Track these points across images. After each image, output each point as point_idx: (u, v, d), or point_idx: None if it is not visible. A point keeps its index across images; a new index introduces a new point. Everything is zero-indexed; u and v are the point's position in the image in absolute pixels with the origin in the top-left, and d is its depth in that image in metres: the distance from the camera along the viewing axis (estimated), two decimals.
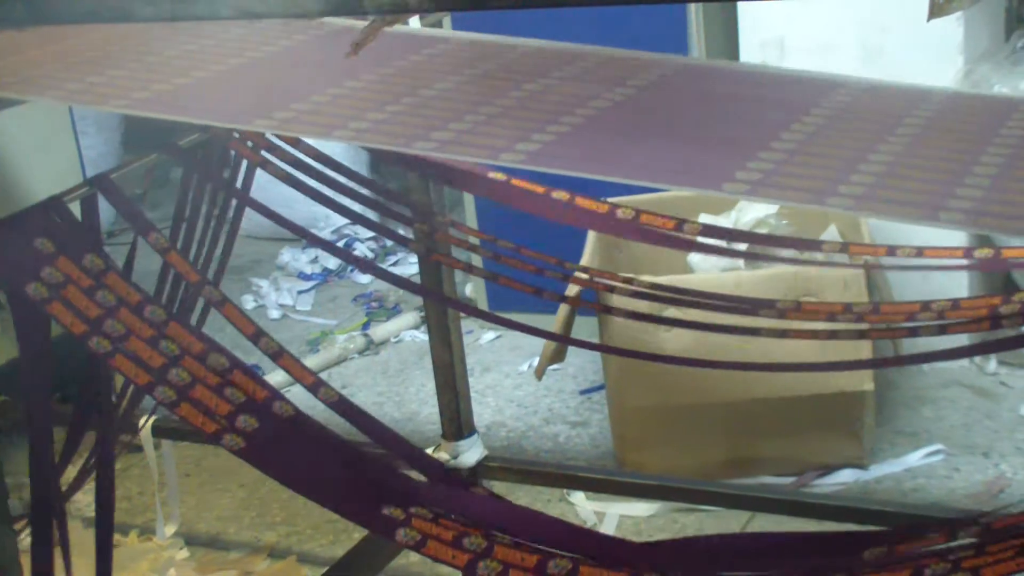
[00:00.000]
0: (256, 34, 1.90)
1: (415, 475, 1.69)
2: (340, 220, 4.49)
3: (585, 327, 3.17)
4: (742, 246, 2.35)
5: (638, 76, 1.70)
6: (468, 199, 3.62)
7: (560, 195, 1.93)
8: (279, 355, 1.72)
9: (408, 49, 1.83)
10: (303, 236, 2.26)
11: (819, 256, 2.95)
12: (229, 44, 1.85)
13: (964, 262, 1.90)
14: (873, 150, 1.45)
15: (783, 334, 1.98)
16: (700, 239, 1.92)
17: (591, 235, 2.92)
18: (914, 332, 1.90)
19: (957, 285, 3.12)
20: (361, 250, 4.40)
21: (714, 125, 1.58)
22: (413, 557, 2.58)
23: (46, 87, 1.70)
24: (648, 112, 1.60)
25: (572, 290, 2.79)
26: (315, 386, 1.69)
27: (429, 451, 2.60)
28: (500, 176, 2.02)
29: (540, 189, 1.96)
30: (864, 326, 1.97)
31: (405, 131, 1.51)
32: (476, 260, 2.42)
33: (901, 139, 1.49)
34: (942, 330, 1.85)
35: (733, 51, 3.27)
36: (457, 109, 1.56)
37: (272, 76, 1.76)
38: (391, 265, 4.31)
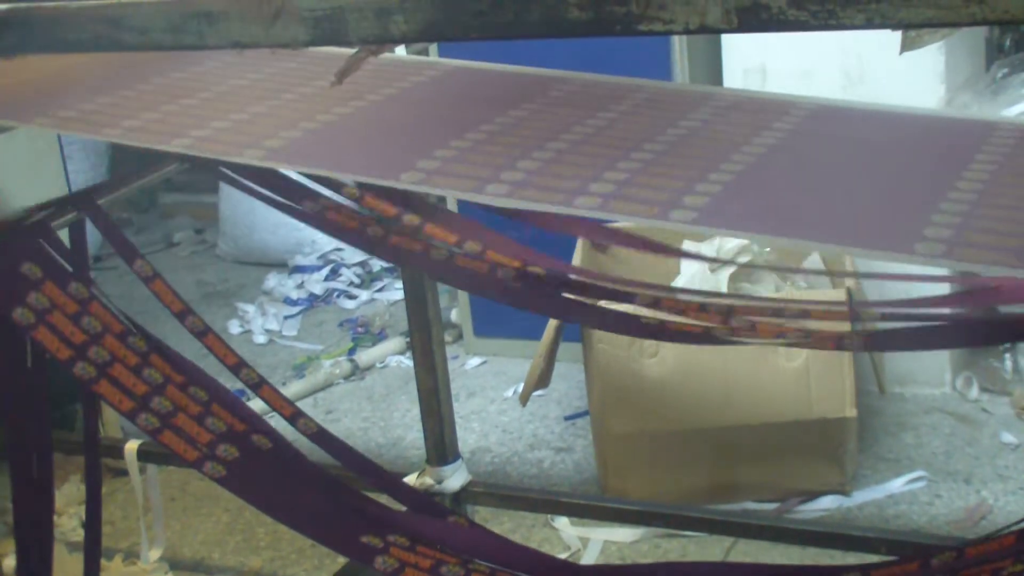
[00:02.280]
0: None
1: (394, 504, 1.71)
2: (326, 246, 4.50)
3: (569, 351, 3.19)
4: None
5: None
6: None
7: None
8: (259, 386, 1.73)
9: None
10: None
11: (802, 285, 2.98)
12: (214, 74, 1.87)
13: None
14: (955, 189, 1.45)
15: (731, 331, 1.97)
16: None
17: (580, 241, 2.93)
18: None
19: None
20: (347, 276, 4.42)
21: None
22: None
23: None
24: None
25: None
26: (294, 417, 1.71)
27: (413, 476, 2.60)
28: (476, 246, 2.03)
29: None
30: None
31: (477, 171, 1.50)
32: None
33: (659, 145, 1.52)
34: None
35: (716, 78, 3.30)
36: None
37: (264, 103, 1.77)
38: (376, 291, 4.33)
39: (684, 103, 1.64)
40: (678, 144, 1.49)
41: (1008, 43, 3.31)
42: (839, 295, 2.71)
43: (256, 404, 2.44)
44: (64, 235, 1.73)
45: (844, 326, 1.83)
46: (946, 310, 1.87)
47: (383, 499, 1.74)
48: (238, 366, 1.74)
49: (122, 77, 1.81)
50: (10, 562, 2.46)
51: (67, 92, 1.75)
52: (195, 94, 1.73)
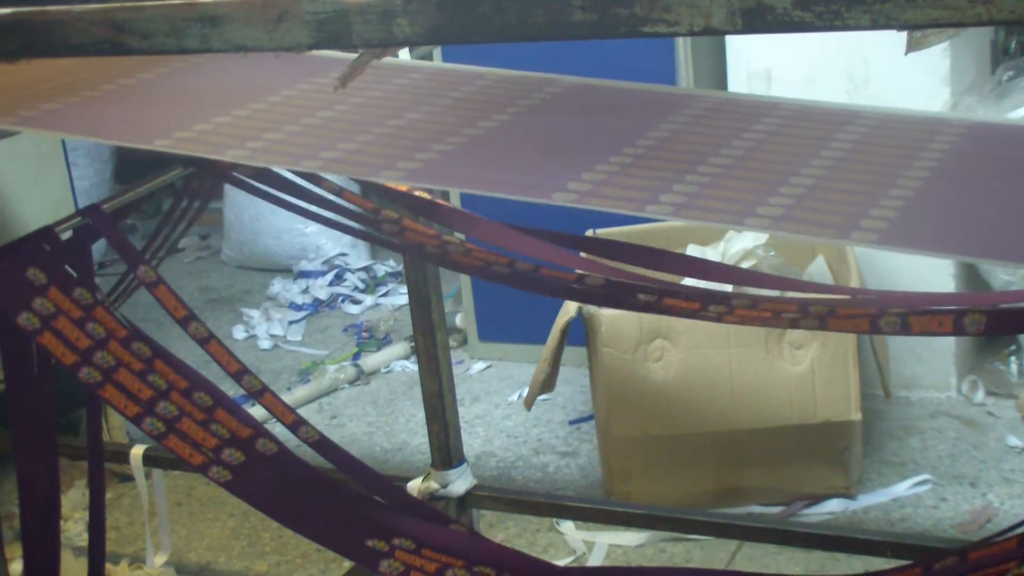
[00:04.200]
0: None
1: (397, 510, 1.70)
2: (330, 251, 4.51)
3: (574, 356, 3.19)
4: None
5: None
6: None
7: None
8: (261, 393, 1.73)
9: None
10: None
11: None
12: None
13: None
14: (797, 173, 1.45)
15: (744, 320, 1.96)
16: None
17: None
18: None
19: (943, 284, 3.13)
20: (352, 281, 4.42)
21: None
22: None
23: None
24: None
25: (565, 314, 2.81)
26: (296, 424, 1.71)
27: (419, 480, 2.60)
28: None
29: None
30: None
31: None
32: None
33: (825, 160, 1.50)
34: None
35: (721, 82, 3.29)
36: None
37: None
38: (381, 295, 4.33)
39: (827, 119, 1.62)
40: (839, 166, 1.48)
41: (1013, 45, 3.31)
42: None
43: (258, 411, 2.44)
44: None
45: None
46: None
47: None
48: (240, 373, 1.74)
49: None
50: (17, 567, 2.46)
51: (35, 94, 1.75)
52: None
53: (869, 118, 1.63)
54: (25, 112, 1.65)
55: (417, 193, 2.10)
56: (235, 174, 1.95)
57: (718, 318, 1.75)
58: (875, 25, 0.94)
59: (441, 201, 2.16)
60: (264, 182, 2.01)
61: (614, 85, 1.77)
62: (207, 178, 2.03)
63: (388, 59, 1.89)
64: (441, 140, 1.50)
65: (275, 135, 1.54)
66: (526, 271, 1.90)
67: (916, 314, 1.54)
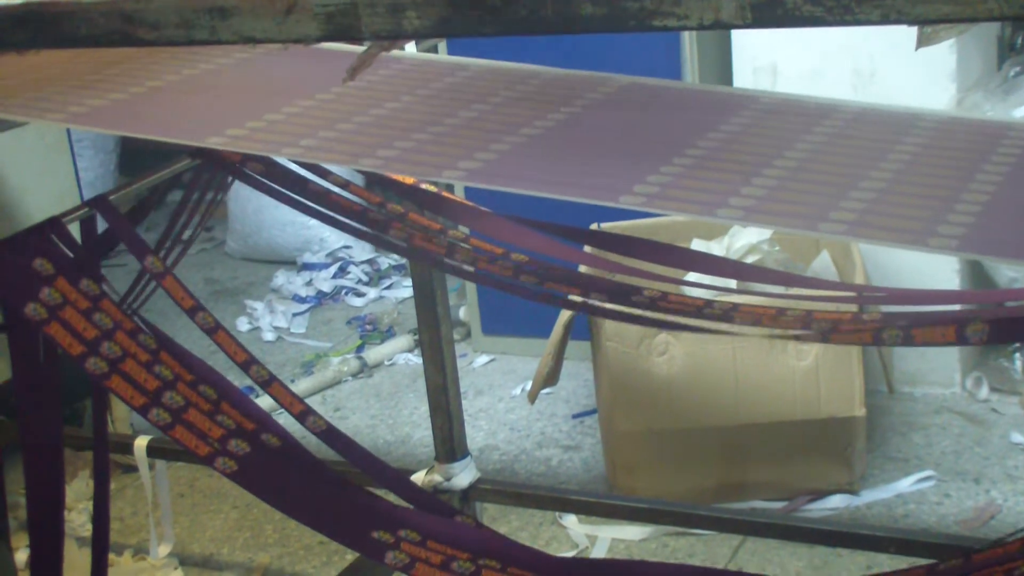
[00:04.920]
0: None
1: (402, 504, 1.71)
2: (334, 243, 4.51)
3: (577, 349, 3.19)
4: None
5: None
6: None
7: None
8: (269, 383, 1.73)
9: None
10: None
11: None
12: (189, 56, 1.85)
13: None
14: (866, 176, 1.45)
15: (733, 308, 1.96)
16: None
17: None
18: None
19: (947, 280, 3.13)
20: (355, 273, 4.42)
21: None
22: None
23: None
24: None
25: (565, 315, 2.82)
26: (303, 415, 1.71)
27: (422, 473, 2.61)
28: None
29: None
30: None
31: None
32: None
33: (893, 164, 1.50)
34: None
35: (726, 77, 3.29)
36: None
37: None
38: (385, 288, 4.33)
39: (893, 122, 1.61)
40: (908, 170, 1.47)
41: (1020, 41, 3.30)
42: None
43: (266, 401, 2.44)
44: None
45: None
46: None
47: (391, 498, 1.74)
48: (248, 363, 1.74)
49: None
50: (23, 556, 2.47)
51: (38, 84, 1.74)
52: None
53: (930, 122, 1.62)
54: (75, 108, 1.64)
55: (423, 186, 2.10)
56: (244, 169, 1.95)
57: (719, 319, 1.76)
58: (885, 20, 0.94)
59: (447, 194, 2.16)
60: (270, 178, 2.01)
61: (668, 85, 1.75)
62: (216, 171, 2.03)
63: (435, 56, 1.89)
64: (498, 139, 1.49)
65: (329, 133, 1.54)
66: (530, 284, 1.90)
67: (919, 326, 1.54)
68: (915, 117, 1.62)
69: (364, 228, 2.02)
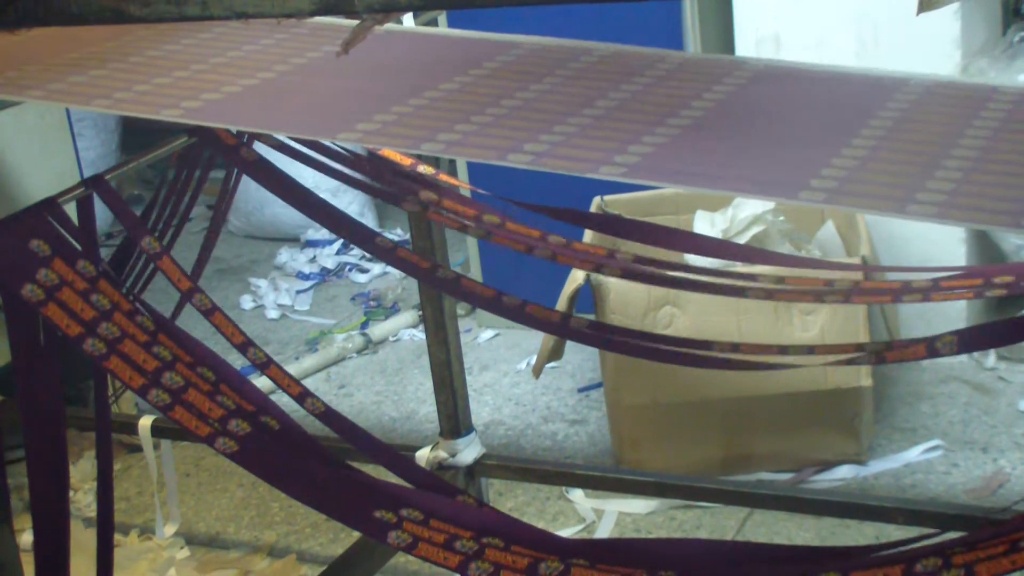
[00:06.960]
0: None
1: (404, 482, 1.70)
2: None
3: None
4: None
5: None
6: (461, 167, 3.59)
7: (556, 239, 1.92)
8: (267, 366, 1.72)
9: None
10: None
11: (816, 253, 2.96)
12: (214, 44, 1.84)
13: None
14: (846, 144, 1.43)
15: (771, 295, 1.95)
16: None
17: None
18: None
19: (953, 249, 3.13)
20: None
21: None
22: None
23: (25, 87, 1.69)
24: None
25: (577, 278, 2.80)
26: (302, 396, 1.70)
27: (427, 449, 2.60)
28: (495, 219, 2.02)
29: (535, 233, 1.95)
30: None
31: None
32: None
33: (876, 131, 1.48)
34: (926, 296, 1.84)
35: (728, 47, 3.27)
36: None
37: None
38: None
39: (967, 95, 1.61)
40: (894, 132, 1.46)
41: None
42: (854, 263, 2.69)
43: (264, 382, 2.43)
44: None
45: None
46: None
47: (393, 479, 1.73)
48: (245, 345, 1.73)
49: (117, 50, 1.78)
50: (27, 537, 2.46)
51: (58, 67, 1.73)
52: None
53: (915, 86, 1.61)
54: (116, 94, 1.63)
55: (421, 168, 2.09)
56: (242, 150, 1.94)
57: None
58: None
59: (445, 176, 2.14)
60: (263, 165, 2.01)
61: (807, 69, 1.73)
62: (208, 149, 2.02)
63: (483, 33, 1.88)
64: (650, 132, 1.48)
65: (386, 116, 1.53)
66: (514, 306, 1.91)
67: (892, 350, 1.52)
68: (900, 82, 1.61)
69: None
